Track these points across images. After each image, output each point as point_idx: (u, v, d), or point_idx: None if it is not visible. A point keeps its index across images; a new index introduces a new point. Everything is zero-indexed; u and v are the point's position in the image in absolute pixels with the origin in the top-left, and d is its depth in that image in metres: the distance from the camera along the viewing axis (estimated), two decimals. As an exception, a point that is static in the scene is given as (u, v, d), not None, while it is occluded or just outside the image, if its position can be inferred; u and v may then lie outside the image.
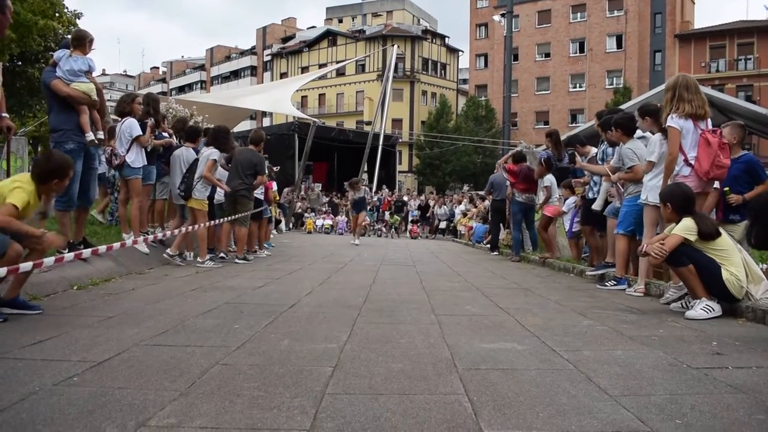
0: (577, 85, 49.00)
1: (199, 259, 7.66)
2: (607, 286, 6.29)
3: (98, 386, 2.45)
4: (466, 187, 39.83)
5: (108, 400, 2.27)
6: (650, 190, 5.51)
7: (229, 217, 8.44)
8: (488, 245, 14.08)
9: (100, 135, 6.29)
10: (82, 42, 6.09)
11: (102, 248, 4.63)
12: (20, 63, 14.10)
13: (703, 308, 4.25)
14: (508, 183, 11.41)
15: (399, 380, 2.58)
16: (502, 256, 12.07)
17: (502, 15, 26.23)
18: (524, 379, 2.63)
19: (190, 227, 7.54)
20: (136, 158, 7.53)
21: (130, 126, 7.55)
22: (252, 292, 5.49)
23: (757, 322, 4.11)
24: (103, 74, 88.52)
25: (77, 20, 16.06)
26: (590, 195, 7.60)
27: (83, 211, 6.46)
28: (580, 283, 7.09)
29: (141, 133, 7.49)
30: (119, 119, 7.78)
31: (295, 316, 4.17)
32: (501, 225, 12.89)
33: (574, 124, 45.20)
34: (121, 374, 2.64)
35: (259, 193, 9.38)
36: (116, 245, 4.94)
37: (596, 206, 7.25)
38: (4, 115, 5.23)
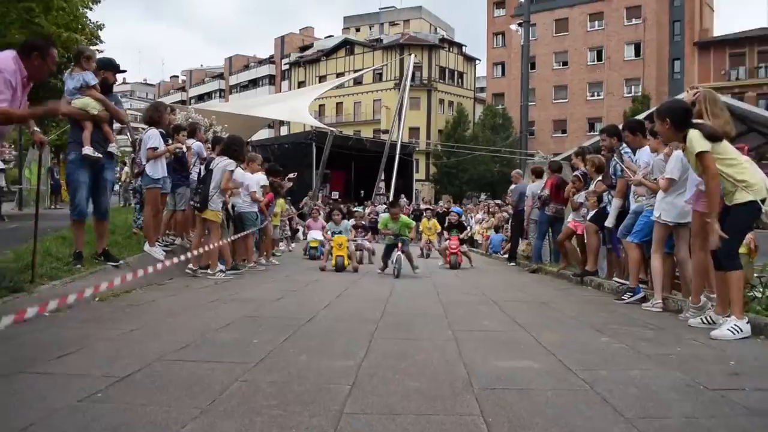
0: (595, 93, 48.76)
1: (210, 270, 7.69)
2: (624, 299, 6.27)
3: (121, 402, 2.51)
4: (483, 196, 39.71)
5: (131, 417, 2.33)
6: (664, 208, 5.49)
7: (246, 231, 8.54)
8: (506, 255, 14.05)
9: (111, 148, 6.41)
10: (78, 59, 6.30)
11: (105, 284, 4.71)
12: None
13: (730, 329, 4.16)
14: (530, 194, 11.28)
15: (416, 399, 2.61)
16: (519, 267, 12.04)
17: (520, 24, 26.17)
18: (540, 399, 2.65)
19: (212, 244, 7.63)
20: (155, 169, 7.68)
21: (149, 137, 7.70)
22: (270, 304, 5.55)
23: (777, 339, 4.08)
24: (124, 83, 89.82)
25: (99, 31, 16.38)
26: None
27: (100, 222, 6.57)
28: (597, 296, 7.07)
29: (157, 145, 7.61)
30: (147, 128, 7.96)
31: (312, 331, 4.22)
32: (519, 236, 12.85)
33: (592, 133, 44.96)
34: (143, 390, 2.70)
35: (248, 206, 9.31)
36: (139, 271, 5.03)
37: (609, 223, 7.25)
38: (35, 129, 5.38)
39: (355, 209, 16.34)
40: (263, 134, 34.98)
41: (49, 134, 22.23)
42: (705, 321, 4.61)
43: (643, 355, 3.60)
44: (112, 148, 6.45)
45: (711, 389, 2.84)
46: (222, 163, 7.83)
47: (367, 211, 26.02)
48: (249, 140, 29.09)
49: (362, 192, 34.19)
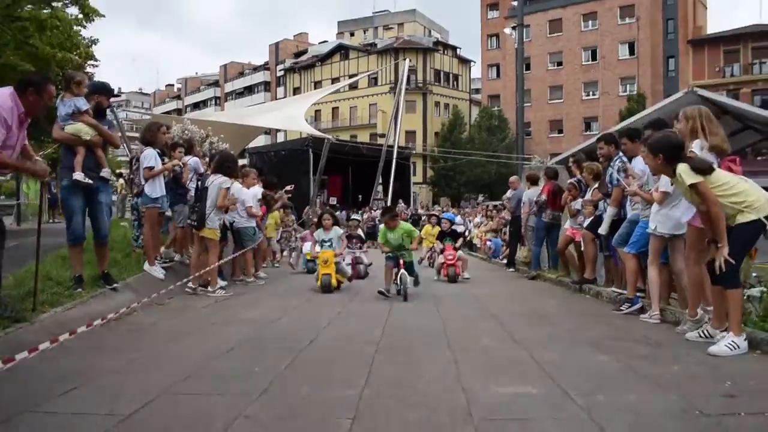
0: (591, 93, 48.90)
1: (209, 288, 7.73)
2: (622, 310, 6.32)
3: (127, 445, 2.55)
4: (481, 197, 39.77)
5: (137, 461, 2.37)
6: (660, 220, 5.54)
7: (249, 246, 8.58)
8: (504, 261, 14.10)
9: (104, 172, 6.45)
10: (68, 85, 6.34)
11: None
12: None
13: (728, 345, 4.20)
14: (527, 200, 11.33)
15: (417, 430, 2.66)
16: (518, 273, 12.09)
17: (513, 28, 26.24)
18: (538, 430, 2.70)
19: (216, 261, 7.70)
20: (153, 188, 7.74)
21: (145, 157, 7.77)
22: (270, 325, 5.59)
23: (773, 354, 4.13)
24: (120, 93, 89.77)
25: (94, 46, 16.39)
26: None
27: (101, 246, 6.61)
28: (595, 306, 7.12)
29: (153, 164, 7.68)
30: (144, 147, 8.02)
31: (313, 356, 4.26)
32: (518, 242, 12.90)
33: (588, 132, 45.13)
34: (148, 429, 2.75)
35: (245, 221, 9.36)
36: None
37: (602, 230, 7.31)
38: (36, 158, 5.42)
39: (353, 217, 14.64)
40: (260, 140, 34.92)
41: (44, 149, 22.29)
42: (702, 335, 4.66)
43: (640, 376, 3.64)
44: (105, 173, 6.48)
45: (706, 414, 2.88)
46: (217, 181, 7.88)
47: (364, 216, 26.02)
48: (245, 147, 29.31)
49: (360, 197, 34.23)
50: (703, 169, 4.37)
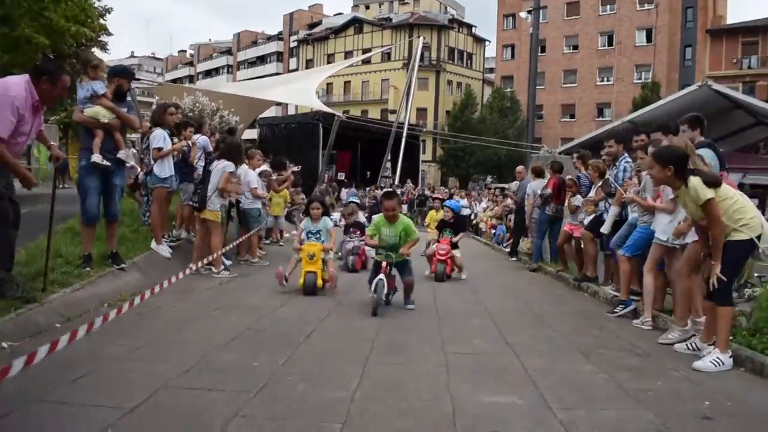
0: (605, 78, 48.37)
1: (214, 269, 7.89)
2: (616, 312, 6.45)
3: (130, 441, 2.73)
4: (489, 179, 39.75)
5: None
6: (664, 229, 5.63)
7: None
8: (507, 249, 14.21)
9: (121, 154, 6.59)
10: (85, 68, 6.53)
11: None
12: (54, 56, 14.73)
13: (712, 361, 4.33)
14: (537, 192, 11.35)
15: (401, 443, 2.82)
16: (520, 262, 12.22)
17: (529, 12, 25.94)
18: (518, 444, 2.85)
19: (218, 242, 7.85)
20: (161, 168, 7.89)
21: (155, 137, 7.92)
22: (271, 314, 5.74)
23: (755, 373, 4.26)
24: (132, 56, 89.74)
25: (108, 15, 16.45)
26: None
27: (111, 224, 6.77)
28: (591, 305, 7.25)
29: (162, 145, 7.83)
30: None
31: (310, 352, 4.42)
32: (522, 232, 13.00)
33: (600, 118, 44.84)
34: (149, 424, 2.92)
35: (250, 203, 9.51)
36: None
37: (605, 229, 7.40)
38: (52, 143, 5.55)
39: (351, 200, 12.83)
40: (271, 111, 34.83)
41: (56, 114, 22.50)
42: (690, 347, 4.79)
43: (622, 390, 3.78)
44: (122, 154, 6.61)
45: (679, 436, 3.03)
46: (220, 165, 8.00)
47: (368, 197, 25.98)
48: (256, 118, 29.34)
49: (368, 173, 34.24)
50: (714, 182, 4.44)
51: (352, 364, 4.07)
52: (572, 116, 49.66)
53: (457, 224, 9.57)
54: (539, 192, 11.00)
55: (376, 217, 6.70)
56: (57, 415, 3.00)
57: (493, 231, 18.96)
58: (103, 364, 3.83)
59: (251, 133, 33.51)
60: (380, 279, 5.95)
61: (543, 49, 48.72)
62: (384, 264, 6.11)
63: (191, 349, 4.30)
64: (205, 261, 7.76)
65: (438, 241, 9.09)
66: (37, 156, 21.03)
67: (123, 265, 6.75)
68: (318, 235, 7.34)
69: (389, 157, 33.20)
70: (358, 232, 9.86)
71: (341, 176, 33.72)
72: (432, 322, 5.76)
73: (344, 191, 27.70)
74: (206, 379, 3.65)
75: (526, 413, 3.29)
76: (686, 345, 4.86)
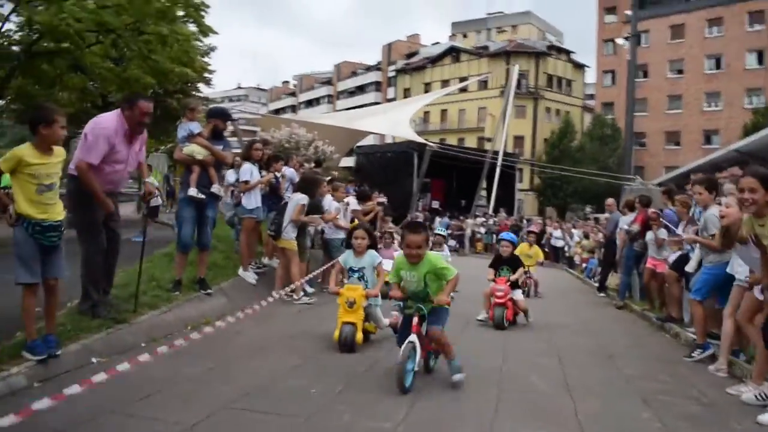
0: (713, 104, 45.78)
1: (294, 296, 8.24)
2: (693, 356, 6.18)
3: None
4: (588, 209, 38.55)
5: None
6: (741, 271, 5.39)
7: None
8: (597, 283, 13.80)
9: (214, 188, 7.13)
10: (184, 112, 7.41)
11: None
12: (161, 93, 16.19)
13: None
14: (624, 227, 11.05)
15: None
16: (608, 298, 11.85)
17: (626, 38, 25.25)
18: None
19: (297, 269, 8.23)
20: (248, 200, 8.48)
21: (243, 171, 8.53)
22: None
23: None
24: (239, 88, 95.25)
25: (211, 53, 17.82)
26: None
27: (202, 252, 7.33)
28: (670, 348, 6.97)
29: (248, 178, 8.44)
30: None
31: (366, 383, 4.59)
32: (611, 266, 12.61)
33: (707, 146, 42.43)
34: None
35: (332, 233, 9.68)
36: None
37: (690, 268, 7.11)
38: (148, 180, 6.16)
39: (437, 231, 11.64)
40: (369, 140, 35.62)
41: (165, 144, 24.54)
42: (760, 397, 4.54)
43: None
44: (215, 189, 7.17)
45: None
46: (296, 197, 8.40)
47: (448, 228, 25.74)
48: (353, 147, 30.23)
49: (463, 202, 34.21)
50: None
51: (402, 398, 4.20)
52: (677, 143, 47.31)
53: (515, 261, 8.16)
54: (626, 228, 10.69)
55: (397, 255, 5.31)
56: (122, 428, 3.35)
57: (584, 265, 18.47)
58: (176, 383, 4.21)
59: (348, 161, 34.48)
60: (410, 342, 4.45)
61: (645, 74, 47.10)
62: (415, 319, 4.61)
63: (258, 374, 4.60)
64: (287, 289, 8.21)
65: (494, 280, 7.80)
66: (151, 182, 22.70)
67: (209, 291, 7.27)
68: (361, 275, 5.90)
69: (484, 186, 33.11)
70: None
71: (435, 204, 33.83)
72: (495, 360, 5.69)
73: (437, 220, 27.77)
74: (264, 403, 3.92)
75: (564, 457, 3.30)
76: (755, 395, 4.59)
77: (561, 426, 3.83)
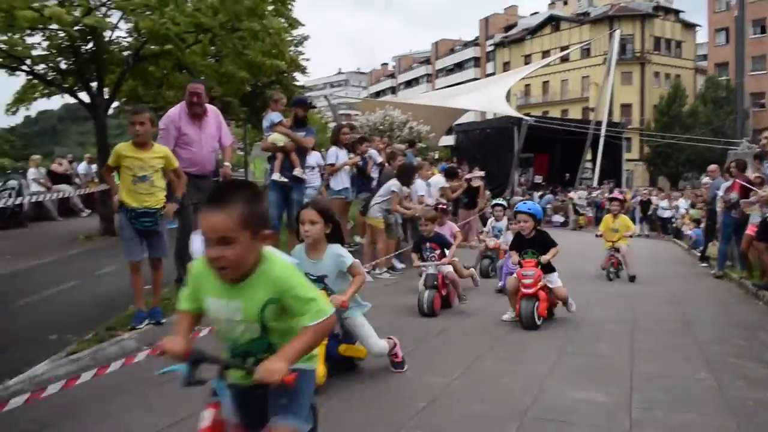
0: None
1: (377, 270, 8.68)
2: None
3: None
4: (704, 178, 36.27)
5: None
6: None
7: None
8: (699, 253, 13.29)
9: (296, 172, 7.68)
10: (269, 103, 8.09)
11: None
12: (260, 86, 17.21)
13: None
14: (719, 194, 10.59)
15: (467, 423, 3.29)
16: (710, 268, 11.41)
17: (738, -7, 23.42)
18: (573, 434, 3.14)
19: (383, 246, 8.70)
20: (336, 182, 9.02)
21: (328, 155, 9.08)
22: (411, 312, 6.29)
23: None
24: (339, 73, 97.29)
25: (305, 42, 18.58)
26: None
27: (291, 233, 7.92)
28: (758, 314, 6.78)
29: (333, 161, 9.02)
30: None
31: (436, 345, 4.96)
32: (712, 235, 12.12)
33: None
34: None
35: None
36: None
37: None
38: (226, 164, 6.79)
39: (496, 201, 9.99)
40: (469, 116, 35.38)
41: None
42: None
43: (722, 399, 3.75)
44: (297, 172, 7.74)
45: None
46: (391, 182, 8.75)
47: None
48: (452, 126, 30.31)
49: (567, 175, 33.21)
50: None
51: (467, 356, 4.58)
52: (801, 103, 43.31)
53: (542, 239, 6.08)
54: (723, 196, 10.22)
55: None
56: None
57: (690, 233, 17.73)
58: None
59: (448, 140, 34.57)
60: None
61: (763, 29, 43.37)
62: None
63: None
64: (372, 264, 8.71)
65: (520, 263, 6.01)
66: (253, 170, 24.11)
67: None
68: (323, 284, 3.83)
69: (588, 158, 32.02)
70: (438, 250, 6.74)
71: (538, 179, 33.08)
72: (565, 325, 5.87)
73: (535, 195, 27.35)
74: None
75: (601, 409, 3.51)
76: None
77: (610, 383, 4.00)
